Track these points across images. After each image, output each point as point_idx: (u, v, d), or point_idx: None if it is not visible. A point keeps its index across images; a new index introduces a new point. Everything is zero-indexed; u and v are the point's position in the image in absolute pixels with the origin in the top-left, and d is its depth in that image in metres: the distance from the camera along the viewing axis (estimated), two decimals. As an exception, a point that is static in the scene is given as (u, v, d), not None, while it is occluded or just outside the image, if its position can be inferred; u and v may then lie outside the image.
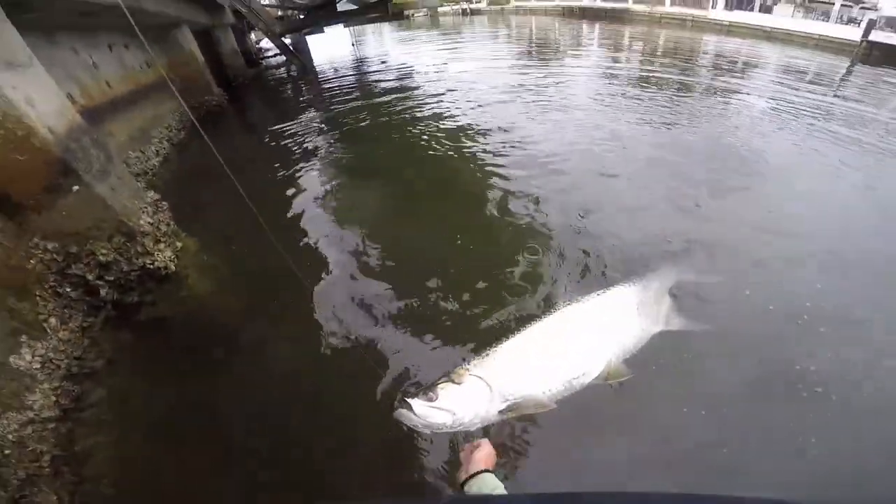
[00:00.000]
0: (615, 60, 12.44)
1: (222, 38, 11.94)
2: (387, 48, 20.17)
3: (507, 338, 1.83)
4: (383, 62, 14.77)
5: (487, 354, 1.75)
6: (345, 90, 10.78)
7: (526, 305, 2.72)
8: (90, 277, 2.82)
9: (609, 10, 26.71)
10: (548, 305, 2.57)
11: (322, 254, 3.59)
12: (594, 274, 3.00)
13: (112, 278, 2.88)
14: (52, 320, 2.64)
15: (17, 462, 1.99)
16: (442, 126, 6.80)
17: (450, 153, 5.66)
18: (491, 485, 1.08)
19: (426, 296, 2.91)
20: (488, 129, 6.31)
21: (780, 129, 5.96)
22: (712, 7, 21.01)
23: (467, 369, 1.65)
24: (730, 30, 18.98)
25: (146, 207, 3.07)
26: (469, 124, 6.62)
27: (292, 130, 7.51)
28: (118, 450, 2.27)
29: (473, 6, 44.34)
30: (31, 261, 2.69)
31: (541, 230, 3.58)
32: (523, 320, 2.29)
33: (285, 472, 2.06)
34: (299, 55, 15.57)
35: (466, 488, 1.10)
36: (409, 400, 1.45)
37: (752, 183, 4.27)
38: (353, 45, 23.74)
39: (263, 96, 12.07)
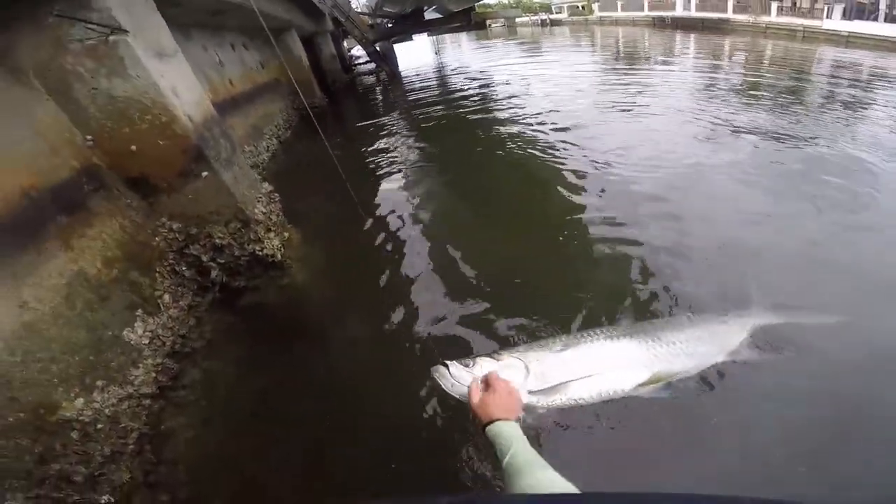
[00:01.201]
0: (715, 71, 11.34)
1: (323, 45, 12.80)
2: (466, 57, 20.43)
3: (560, 338, 1.83)
4: (463, 71, 14.91)
5: (532, 346, 1.76)
6: (428, 96, 11.02)
7: (592, 316, 2.51)
8: (205, 258, 2.96)
9: (705, 21, 24.79)
10: (611, 320, 2.38)
11: (409, 251, 3.60)
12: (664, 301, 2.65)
13: (223, 261, 3.01)
14: (167, 297, 2.75)
15: (106, 437, 1.97)
16: (519, 134, 6.60)
17: (530, 161, 5.47)
18: (513, 433, 1.01)
19: (500, 302, 2.77)
20: (568, 138, 5.98)
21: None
22: (827, 17, 18.57)
23: (510, 352, 1.67)
24: (848, 41, 16.63)
25: (261, 197, 3.21)
26: (547, 133, 6.35)
27: (383, 133, 7.78)
28: (199, 434, 2.27)
29: (554, 17, 43.72)
30: (157, 238, 2.88)
31: (625, 248, 3.22)
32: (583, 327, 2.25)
33: (348, 472, 1.97)
34: (388, 62, 16.24)
35: (492, 429, 1.05)
36: (448, 362, 1.48)
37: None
38: (435, 53, 24.43)
39: (357, 100, 12.73)
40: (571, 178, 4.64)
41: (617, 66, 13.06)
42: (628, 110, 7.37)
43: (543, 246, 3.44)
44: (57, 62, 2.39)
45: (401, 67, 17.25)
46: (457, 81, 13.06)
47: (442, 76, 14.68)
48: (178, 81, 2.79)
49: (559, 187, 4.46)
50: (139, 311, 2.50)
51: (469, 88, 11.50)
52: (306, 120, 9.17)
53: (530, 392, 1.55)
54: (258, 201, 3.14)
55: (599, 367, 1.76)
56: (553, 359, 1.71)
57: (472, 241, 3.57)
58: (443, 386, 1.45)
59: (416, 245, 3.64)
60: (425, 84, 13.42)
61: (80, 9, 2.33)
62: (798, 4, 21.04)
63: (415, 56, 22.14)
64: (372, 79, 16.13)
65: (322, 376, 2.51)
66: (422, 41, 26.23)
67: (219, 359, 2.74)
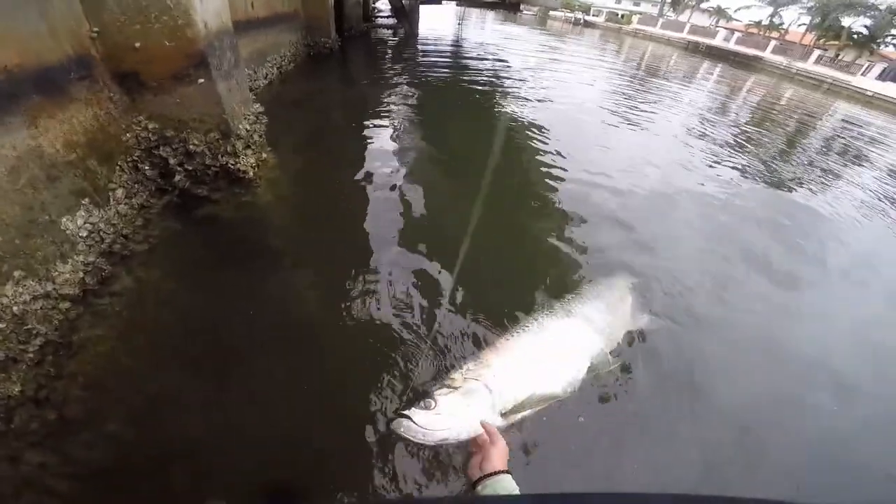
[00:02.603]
0: (727, 103, 11.51)
1: (348, -12, 12.26)
2: (487, 36, 19.97)
3: (498, 341, 1.84)
4: (480, 48, 14.59)
5: (479, 359, 1.71)
6: (439, 62, 10.82)
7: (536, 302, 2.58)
8: (172, 161, 2.93)
9: (738, 55, 24.80)
10: (530, 310, 2.40)
11: (380, 202, 3.58)
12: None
13: (191, 167, 2.98)
14: (120, 192, 2.65)
15: (3, 340, 1.75)
16: (515, 114, 6.66)
17: (519, 142, 5.55)
18: (508, 488, 0.98)
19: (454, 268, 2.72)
20: (559, 131, 6.08)
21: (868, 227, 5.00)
22: (862, 74, 18.80)
23: (462, 374, 1.59)
24: (870, 101, 16.96)
25: (249, 115, 3.18)
26: (546, 130, 6.34)
27: (385, 85, 7.67)
28: (112, 349, 2.05)
29: (589, 18, 42.86)
30: (128, 133, 2.83)
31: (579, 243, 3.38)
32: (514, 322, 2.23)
33: (265, 413, 1.88)
34: (409, 21, 15.75)
35: (480, 488, 0.99)
36: (407, 413, 1.35)
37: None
38: (458, 24, 23.76)
39: (369, 50, 12.32)
40: (550, 171, 4.75)
41: (633, 78, 13.04)
42: (627, 120, 7.49)
43: (510, 220, 3.58)
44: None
45: (420, 29, 16.79)
46: (470, 55, 12.82)
47: (457, 47, 14.36)
48: (207, -11, 2.74)
49: (539, 174, 4.59)
50: (86, 200, 2.37)
51: (480, 64, 11.34)
52: (314, 58, 8.95)
53: (502, 414, 1.49)
54: (244, 118, 3.12)
55: (556, 352, 1.84)
56: (507, 364, 1.67)
57: (443, 206, 3.60)
58: (413, 439, 1.31)
59: (387, 198, 3.64)
60: (439, 50, 13.13)
61: None
62: (840, 56, 21.22)
63: (437, 22, 21.52)
64: (388, 33, 15.63)
65: (262, 309, 2.35)
66: (448, 9, 25.41)
67: (156, 268, 2.55)
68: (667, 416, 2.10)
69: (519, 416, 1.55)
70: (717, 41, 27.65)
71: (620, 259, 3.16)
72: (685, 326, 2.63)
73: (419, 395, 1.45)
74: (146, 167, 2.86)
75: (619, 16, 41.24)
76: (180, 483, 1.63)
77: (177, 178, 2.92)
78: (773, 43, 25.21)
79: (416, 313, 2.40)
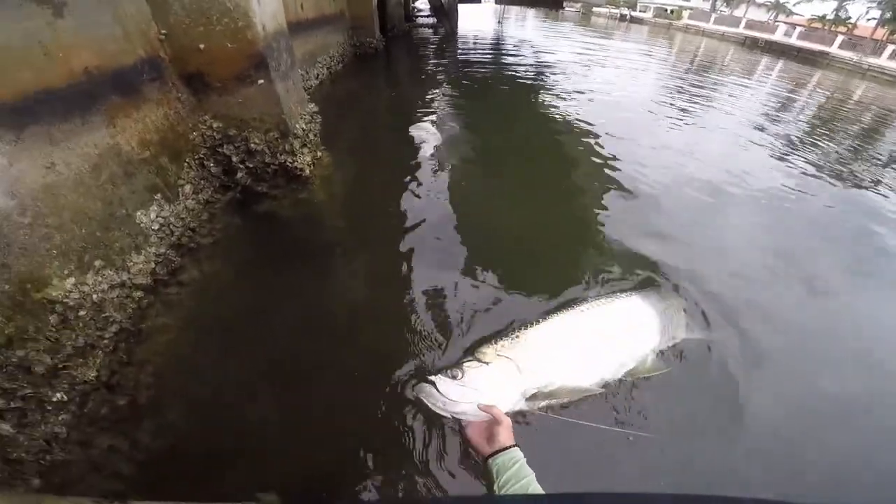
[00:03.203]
0: (790, 101, 10.60)
1: (391, -11, 12.47)
2: (528, 35, 19.61)
3: (538, 322, 1.74)
4: (521, 46, 14.34)
5: (517, 336, 1.63)
6: (480, 60, 10.76)
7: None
8: (235, 159, 3.04)
9: (802, 50, 23.01)
10: (580, 298, 2.29)
11: (428, 198, 3.59)
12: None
13: (252, 165, 3.09)
14: (188, 188, 2.80)
15: (84, 327, 1.81)
16: (562, 122, 6.38)
17: (564, 140, 5.37)
18: (517, 457, 1.08)
19: (505, 263, 2.76)
20: (612, 137, 5.76)
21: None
22: None
23: (495, 349, 1.52)
24: None
25: (305, 115, 3.26)
26: (594, 131, 6.09)
27: (428, 82, 7.73)
28: (177, 338, 2.15)
29: (636, 14, 41.19)
30: (195, 132, 2.96)
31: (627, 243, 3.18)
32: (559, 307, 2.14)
33: (315, 404, 1.89)
34: (449, 19, 15.78)
35: (493, 462, 1.08)
36: (432, 377, 1.31)
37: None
38: (498, 22, 23.55)
39: (411, 49, 12.48)
40: (601, 168, 4.55)
41: (687, 74, 12.36)
42: (680, 117, 7.08)
43: (558, 219, 3.48)
44: (156, -46, 2.42)
45: (460, 28, 16.77)
46: (511, 52, 12.64)
47: (498, 46, 14.19)
48: (263, -9, 2.82)
49: (586, 170, 4.43)
50: (158, 196, 2.52)
51: (522, 61, 11.14)
52: (360, 58, 9.14)
53: (528, 398, 1.43)
54: (301, 117, 3.20)
55: (596, 344, 1.74)
56: (542, 347, 1.59)
57: (491, 202, 3.58)
58: (431, 406, 1.26)
59: (436, 194, 3.64)
60: (480, 48, 13.07)
61: None
62: None
63: (476, 20, 21.43)
64: (429, 32, 15.73)
65: (314, 303, 2.43)
66: (488, 7, 25.22)
67: (219, 260, 2.68)
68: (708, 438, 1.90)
69: (545, 402, 1.48)
70: (777, 36, 25.83)
71: (671, 262, 2.94)
72: (746, 341, 2.36)
73: (449, 366, 1.39)
74: (211, 164, 2.98)
75: (669, 11, 39.31)
76: (232, 473, 1.67)
77: (239, 175, 3.03)
78: (840, 38, 23.20)
79: (460, 301, 2.40)
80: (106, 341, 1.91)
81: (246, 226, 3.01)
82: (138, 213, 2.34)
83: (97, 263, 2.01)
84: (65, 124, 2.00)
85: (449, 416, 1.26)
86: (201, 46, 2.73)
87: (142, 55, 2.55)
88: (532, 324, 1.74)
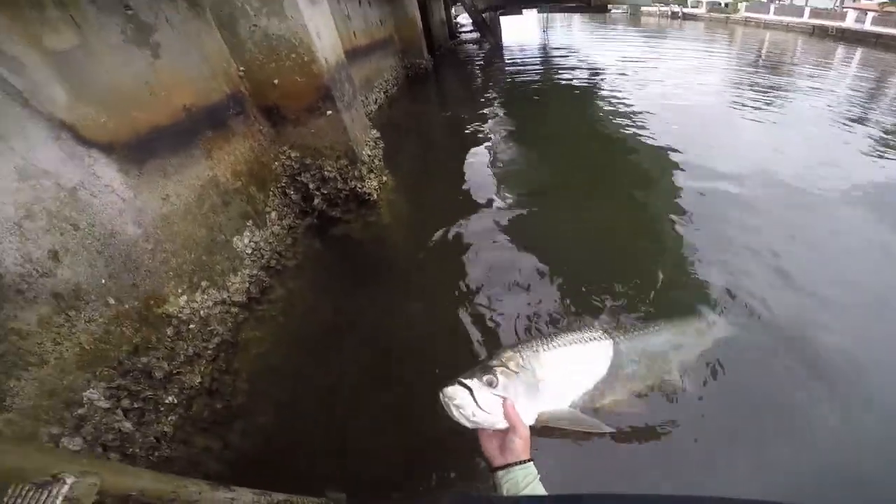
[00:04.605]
0: (877, 91, 9.51)
1: (434, 9, 12.90)
2: (576, 41, 19.28)
3: (559, 336, 1.62)
4: (570, 55, 14.14)
5: (537, 351, 1.48)
6: (529, 72, 10.76)
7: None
8: (312, 186, 3.32)
9: (881, 36, 20.66)
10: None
11: (489, 215, 3.68)
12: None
13: (326, 192, 3.35)
14: (273, 214, 3.06)
15: (193, 338, 2.03)
16: (622, 126, 6.22)
17: (625, 148, 5.23)
18: (535, 477, 0.97)
19: (569, 281, 2.76)
20: (680, 154, 5.39)
21: None
22: None
23: (520, 361, 1.37)
24: None
25: (369, 141, 3.49)
26: (655, 130, 5.90)
27: (479, 99, 7.88)
28: (268, 350, 2.36)
29: (688, 10, 39.13)
30: (276, 162, 3.26)
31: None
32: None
33: (384, 410, 2.03)
34: (493, 33, 15.96)
35: (505, 475, 0.97)
36: (467, 381, 1.16)
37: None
38: (543, 31, 23.42)
39: (459, 66, 12.82)
40: (665, 176, 4.40)
41: (755, 68, 11.57)
42: (753, 115, 6.68)
43: (623, 242, 3.36)
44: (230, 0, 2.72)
45: (505, 41, 16.85)
46: (560, 61, 12.54)
47: (546, 56, 14.09)
48: (321, 26, 3.08)
49: (658, 183, 4.26)
50: (249, 223, 2.77)
51: (572, 68, 11.03)
52: (412, 79, 9.51)
53: (541, 413, 1.32)
54: (366, 144, 3.42)
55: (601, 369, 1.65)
56: (563, 368, 1.51)
57: (550, 225, 3.56)
58: (455, 412, 1.11)
59: (497, 210, 3.73)
60: (527, 60, 13.06)
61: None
62: None
63: (521, 31, 21.43)
64: (474, 47, 15.98)
65: (386, 320, 2.62)
66: (531, 17, 25.14)
67: (303, 281, 2.94)
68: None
69: (554, 424, 1.36)
70: (849, 23, 23.37)
71: (737, 282, 2.77)
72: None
73: (481, 368, 1.26)
74: (292, 192, 3.27)
75: (724, 5, 36.97)
76: (309, 471, 1.84)
77: (316, 201, 3.30)
78: None
79: (516, 317, 2.47)
80: (210, 351, 2.12)
81: (324, 249, 3.28)
82: (234, 239, 2.62)
83: (203, 283, 2.27)
84: (174, 158, 2.30)
85: (470, 425, 1.12)
86: (275, 81, 2.98)
87: (227, 91, 2.83)
88: (555, 337, 1.64)
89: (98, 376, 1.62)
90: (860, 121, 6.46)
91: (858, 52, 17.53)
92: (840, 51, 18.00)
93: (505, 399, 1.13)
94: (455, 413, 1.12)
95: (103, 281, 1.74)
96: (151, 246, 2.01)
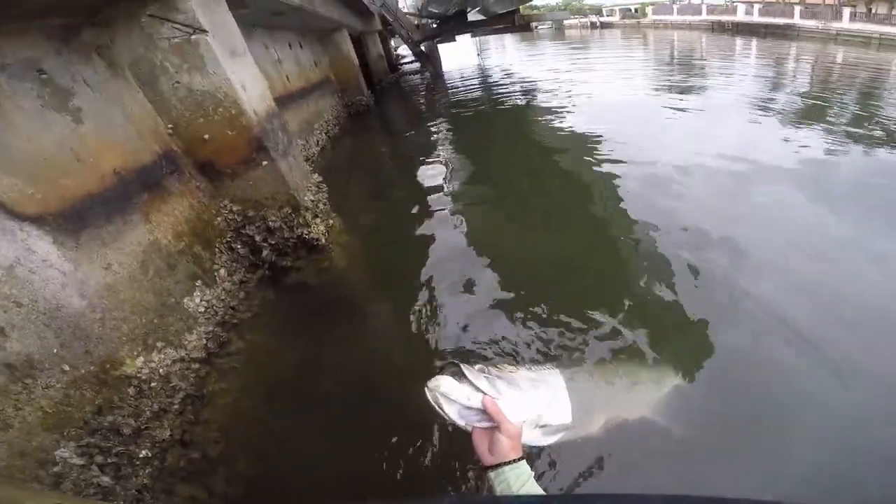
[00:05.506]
0: (777, 76, 10.70)
1: (371, 44, 13.22)
2: (509, 59, 20.38)
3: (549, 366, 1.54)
4: (506, 73, 14.92)
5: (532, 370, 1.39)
6: (470, 96, 11.19)
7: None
8: (258, 238, 3.22)
9: (768, 26, 23.37)
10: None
11: (444, 246, 3.72)
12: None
13: (274, 242, 3.26)
14: (222, 271, 2.97)
15: (156, 395, 2.09)
16: (563, 142, 6.54)
17: (571, 164, 5.47)
18: (529, 476, 0.94)
19: (528, 307, 2.77)
20: (614, 149, 5.79)
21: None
22: None
23: (513, 368, 1.31)
24: None
25: (311, 186, 3.46)
26: (596, 139, 6.21)
27: (425, 129, 8.04)
28: (236, 399, 2.41)
29: (604, 19, 42.53)
30: (218, 218, 3.16)
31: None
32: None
33: (355, 453, 2.05)
34: (432, 62, 16.54)
35: (496, 476, 0.95)
36: (461, 364, 1.09)
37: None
38: (478, 54, 24.55)
39: (401, 98, 13.09)
40: (607, 178, 4.65)
41: (670, 67, 12.68)
42: (677, 109, 7.22)
43: (580, 241, 3.56)
44: (148, 58, 2.68)
45: (444, 68, 17.51)
46: (498, 83, 13.12)
47: (484, 77, 14.77)
48: (246, 78, 3.05)
49: (599, 192, 4.48)
50: (198, 282, 2.69)
51: (510, 89, 11.55)
52: (353, 116, 9.60)
53: (542, 426, 1.23)
54: (308, 190, 3.39)
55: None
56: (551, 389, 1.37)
57: (505, 242, 3.64)
58: (444, 404, 1.05)
59: (451, 241, 3.76)
60: (467, 84, 13.58)
61: (169, 10, 2.61)
62: (873, 11, 19.61)
63: (458, 57, 22.37)
64: (416, 78, 16.49)
65: (349, 358, 2.64)
66: (465, 42, 26.43)
67: (262, 331, 2.90)
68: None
69: (550, 440, 1.30)
70: (740, 16, 26.30)
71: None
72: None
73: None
74: (239, 246, 3.17)
75: (633, 10, 40.53)
76: None
77: (264, 252, 3.21)
78: (798, 8, 23.51)
79: (487, 337, 2.54)
80: (176, 406, 2.16)
81: (279, 298, 3.20)
82: (185, 300, 2.55)
83: (159, 344, 2.25)
84: (110, 225, 2.23)
85: (460, 419, 1.06)
86: (206, 136, 2.91)
87: (158, 150, 2.75)
88: (546, 364, 1.55)
89: (66, 436, 1.67)
90: (769, 102, 7.20)
91: (754, 42, 19.69)
92: (738, 42, 20.14)
93: (485, 394, 1.06)
94: (444, 403, 1.06)
95: (55, 350, 1.76)
96: (99, 315, 1.98)
